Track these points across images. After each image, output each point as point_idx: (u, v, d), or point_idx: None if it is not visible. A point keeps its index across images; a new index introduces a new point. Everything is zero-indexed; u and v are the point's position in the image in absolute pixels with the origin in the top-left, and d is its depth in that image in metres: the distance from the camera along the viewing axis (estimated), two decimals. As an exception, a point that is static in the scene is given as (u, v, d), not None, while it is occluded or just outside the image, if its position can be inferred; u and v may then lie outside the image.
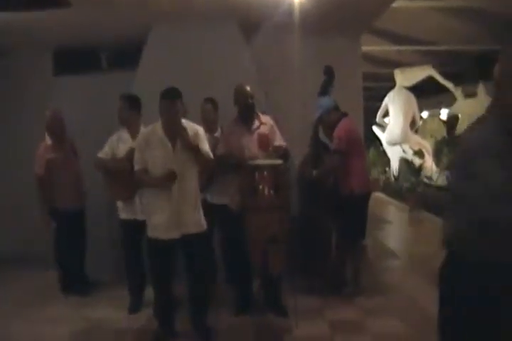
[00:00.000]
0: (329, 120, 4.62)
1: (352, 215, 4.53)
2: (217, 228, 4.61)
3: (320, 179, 4.60)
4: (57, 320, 4.29)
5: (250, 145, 4.14)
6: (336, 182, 4.63)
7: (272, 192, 3.90)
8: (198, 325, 3.72)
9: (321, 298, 4.54)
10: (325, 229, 4.85)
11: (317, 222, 4.82)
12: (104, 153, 4.33)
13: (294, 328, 3.94)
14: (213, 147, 4.30)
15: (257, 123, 4.21)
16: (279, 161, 3.95)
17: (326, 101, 4.64)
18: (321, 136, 4.70)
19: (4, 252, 6.05)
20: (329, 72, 4.78)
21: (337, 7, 5.03)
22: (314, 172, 4.58)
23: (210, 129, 4.57)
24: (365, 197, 4.68)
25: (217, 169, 4.17)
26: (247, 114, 4.20)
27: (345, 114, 4.65)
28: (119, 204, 4.35)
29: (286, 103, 5.35)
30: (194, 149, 3.48)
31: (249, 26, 5.41)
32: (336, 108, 4.65)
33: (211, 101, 4.64)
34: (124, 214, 4.32)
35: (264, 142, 4.13)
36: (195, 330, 3.72)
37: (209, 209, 4.27)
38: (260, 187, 3.91)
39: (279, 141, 4.25)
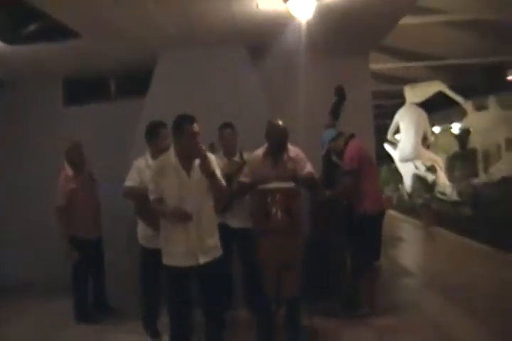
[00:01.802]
0: (337, 146, 4.64)
1: (366, 236, 4.48)
2: (237, 252, 4.57)
3: (333, 200, 4.56)
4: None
5: (274, 179, 4.00)
6: (348, 202, 4.59)
7: (284, 215, 3.87)
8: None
9: (337, 319, 4.46)
10: (338, 251, 4.79)
11: (330, 244, 4.75)
12: (133, 181, 4.19)
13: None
14: (231, 171, 4.31)
15: (285, 157, 4.11)
16: (292, 184, 3.91)
17: (328, 134, 4.68)
18: (334, 158, 4.68)
19: (18, 282, 6.09)
20: (340, 92, 4.78)
21: (344, 26, 5.05)
22: (327, 192, 4.55)
23: (229, 153, 4.59)
24: (379, 217, 4.63)
25: (237, 194, 4.15)
26: (277, 149, 4.11)
27: (352, 136, 4.65)
28: (148, 232, 4.19)
29: (296, 125, 5.33)
30: (211, 175, 3.45)
31: (258, 49, 5.42)
32: (340, 134, 4.67)
33: (230, 125, 4.64)
34: (151, 244, 4.13)
35: (290, 177, 4.04)
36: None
37: (229, 233, 4.27)
38: (273, 210, 3.87)
39: (305, 170, 4.10)
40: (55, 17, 4.42)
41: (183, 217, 3.38)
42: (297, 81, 5.35)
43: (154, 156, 4.12)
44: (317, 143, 4.77)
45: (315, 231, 4.83)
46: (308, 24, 4.66)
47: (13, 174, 6.53)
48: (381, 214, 4.66)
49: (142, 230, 4.30)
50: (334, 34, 5.18)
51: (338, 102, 4.75)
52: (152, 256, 3.97)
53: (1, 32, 4.78)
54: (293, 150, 4.17)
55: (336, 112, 4.73)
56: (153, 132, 4.23)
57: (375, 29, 5.33)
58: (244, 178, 4.19)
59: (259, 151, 4.23)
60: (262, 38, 5.20)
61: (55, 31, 4.76)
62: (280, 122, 4.11)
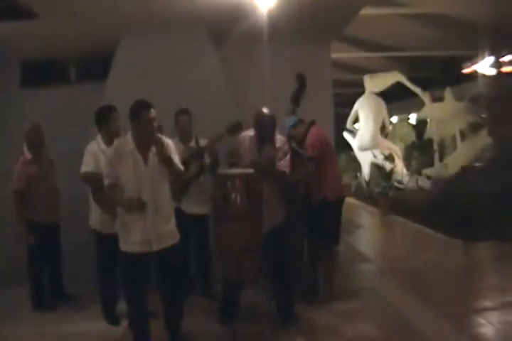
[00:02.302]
0: (297, 133, 4.65)
1: (325, 221, 4.56)
2: (193, 238, 4.59)
3: (292, 186, 4.62)
4: (31, 337, 4.21)
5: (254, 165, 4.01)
6: (307, 189, 4.66)
7: (244, 201, 3.90)
8: (175, 335, 3.70)
9: (296, 304, 4.50)
10: (296, 236, 4.86)
11: (290, 230, 4.82)
12: (88, 166, 4.14)
13: (270, 335, 3.95)
14: (187, 156, 4.33)
15: (269, 147, 4.11)
16: (251, 170, 3.94)
17: (288, 121, 4.70)
18: (293, 145, 4.72)
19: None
20: (301, 80, 4.81)
21: (307, 15, 5.09)
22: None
23: (185, 139, 4.62)
24: (339, 203, 4.72)
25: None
26: (263, 138, 4.12)
27: (312, 123, 4.70)
28: (104, 217, 4.16)
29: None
30: (167, 160, 3.45)
31: (219, 35, 5.41)
32: (301, 121, 4.70)
33: (186, 111, 4.66)
34: (107, 228, 4.11)
35: (269, 166, 4.04)
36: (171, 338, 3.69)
37: (185, 219, 4.28)
38: (232, 196, 3.91)
39: (281, 166, 4.11)
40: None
41: (138, 207, 3.36)
42: (258, 68, 5.36)
43: (106, 141, 4.15)
44: (279, 130, 4.81)
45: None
46: (270, 12, 4.69)
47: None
48: (341, 200, 4.75)
49: (98, 215, 4.27)
50: (296, 22, 5.21)
51: (298, 89, 4.78)
52: (108, 241, 3.96)
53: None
54: (280, 139, 4.20)
55: (296, 99, 4.76)
56: (103, 117, 4.24)
57: (336, 18, 5.40)
58: (231, 159, 4.23)
59: (249, 132, 4.25)
60: (225, 24, 5.18)
61: (12, 11, 4.64)
62: (267, 111, 4.14)
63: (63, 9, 4.69)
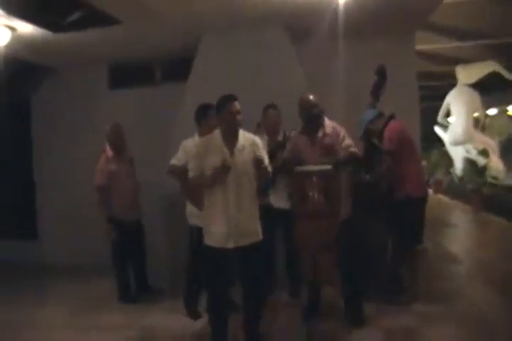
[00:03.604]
0: (376, 127, 4.52)
1: (408, 220, 4.38)
2: (281, 232, 4.59)
3: (372, 183, 4.48)
4: (113, 328, 4.37)
5: (313, 157, 4.00)
6: (390, 186, 4.50)
7: (321, 198, 3.84)
8: (250, 332, 3.70)
9: (378, 305, 4.40)
10: (380, 235, 4.71)
11: (372, 228, 4.68)
12: (178, 160, 4.24)
13: (348, 336, 3.86)
14: (274, 150, 4.34)
15: (320, 134, 4.05)
16: (328, 167, 3.86)
17: (367, 114, 4.57)
18: (373, 139, 4.58)
19: (65, 262, 6.37)
20: (381, 72, 4.65)
21: (384, 6, 4.91)
22: (368, 176, 4.47)
23: (273, 134, 4.66)
24: (422, 201, 4.51)
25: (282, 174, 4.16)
26: (311, 125, 4.06)
27: (392, 117, 4.53)
28: (194, 211, 4.21)
29: (337, 107, 5.25)
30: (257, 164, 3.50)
31: (298, 31, 5.35)
32: (380, 115, 4.55)
33: (273, 106, 4.68)
34: (194, 221, 4.22)
35: (328, 154, 3.98)
36: (246, 337, 3.70)
37: (273, 213, 4.30)
38: (310, 193, 3.86)
39: (345, 148, 4.02)
40: (96, 4, 4.51)
41: (226, 169, 3.37)
42: (336, 63, 5.26)
43: (201, 137, 4.17)
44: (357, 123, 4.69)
45: (356, 214, 4.78)
46: (347, 4, 4.57)
47: (59, 158, 6.84)
48: (424, 198, 4.54)
49: (189, 208, 4.35)
50: (373, 14, 5.05)
51: (378, 83, 4.63)
52: (195, 234, 4.03)
53: (46, 21, 4.93)
54: (328, 124, 4.10)
55: (376, 93, 4.62)
56: (202, 113, 4.29)
57: (417, 8, 5.14)
58: (286, 156, 4.19)
59: (295, 132, 4.21)
60: (303, 20, 5.14)
61: (97, 18, 4.87)
62: (311, 96, 4.05)
63: (146, 14, 4.86)
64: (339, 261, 3.88)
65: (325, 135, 4.04)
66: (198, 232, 4.12)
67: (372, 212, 4.58)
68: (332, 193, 3.89)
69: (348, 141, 4.06)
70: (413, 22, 5.70)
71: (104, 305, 4.99)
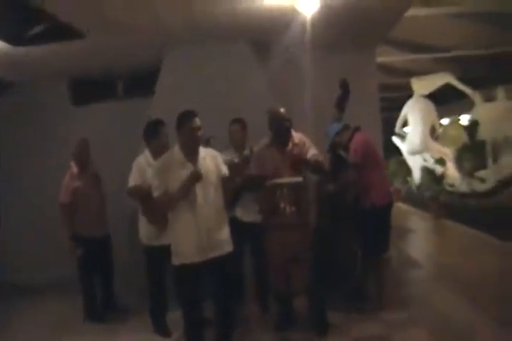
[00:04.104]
0: (342, 140, 4.63)
1: (374, 228, 4.48)
2: (249, 246, 4.61)
3: (338, 193, 4.58)
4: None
5: (283, 168, 4.04)
6: (356, 196, 4.60)
7: (293, 209, 3.90)
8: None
9: (345, 313, 4.47)
10: (347, 244, 4.80)
11: (340, 237, 4.77)
12: (135, 180, 4.24)
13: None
14: (242, 166, 4.30)
15: (290, 145, 4.11)
16: (300, 179, 3.93)
17: (333, 127, 4.68)
18: (340, 151, 4.68)
19: (31, 280, 6.20)
20: (344, 86, 4.79)
21: (349, 21, 5.06)
22: (331, 186, 4.56)
23: (239, 148, 4.66)
24: (387, 209, 4.63)
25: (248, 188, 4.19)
26: (281, 138, 4.11)
27: (357, 129, 4.66)
28: (151, 230, 4.24)
29: (302, 119, 5.34)
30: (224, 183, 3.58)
31: (263, 43, 5.43)
32: (346, 127, 4.66)
33: (239, 121, 4.69)
34: (156, 241, 4.20)
35: (297, 164, 4.04)
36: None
37: (240, 227, 4.30)
38: (281, 205, 3.91)
39: (311, 153, 4.08)
40: (59, 17, 4.43)
41: (197, 176, 3.41)
42: (303, 76, 5.36)
43: (154, 155, 4.18)
44: (322, 136, 4.79)
45: (322, 224, 4.86)
46: (313, 19, 4.68)
47: (21, 175, 6.64)
48: (389, 206, 4.67)
49: (145, 228, 4.33)
50: (339, 28, 5.19)
51: (342, 96, 4.76)
52: (157, 253, 4.02)
53: (6, 33, 4.77)
54: (296, 135, 4.17)
55: (341, 105, 4.74)
56: (152, 131, 4.30)
57: (380, 23, 5.33)
58: (252, 171, 4.20)
59: (263, 142, 4.25)
60: (267, 33, 5.21)
61: (60, 32, 4.76)
62: (281, 109, 4.12)
63: (110, 27, 4.82)
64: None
65: (294, 145, 4.11)
66: (150, 251, 4.19)
67: (339, 221, 4.68)
68: (303, 204, 3.96)
69: (313, 150, 4.13)
70: (376, 36, 5.88)
71: (72, 325, 4.86)
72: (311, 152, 4.11)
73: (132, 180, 4.25)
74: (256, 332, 4.30)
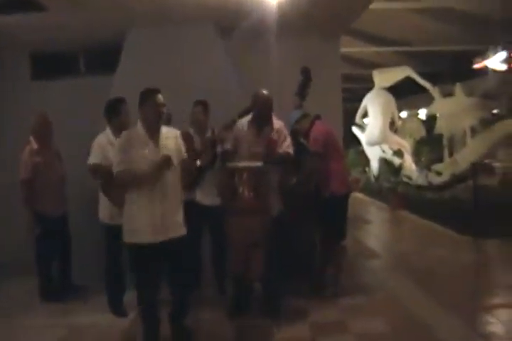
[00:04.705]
0: (302, 127, 4.64)
1: (333, 216, 4.55)
2: (207, 229, 4.59)
3: (300, 183, 4.59)
4: (41, 328, 4.21)
5: (257, 148, 4.07)
6: (317, 185, 4.62)
7: (252, 194, 3.88)
8: (176, 326, 3.70)
9: (303, 299, 4.52)
10: (306, 231, 4.84)
11: (298, 224, 4.80)
12: (96, 158, 4.16)
13: (275, 330, 3.92)
14: (203, 147, 4.36)
15: (268, 129, 4.13)
16: (259, 163, 3.91)
17: (293, 114, 4.69)
18: (301, 139, 4.69)
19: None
20: (306, 73, 4.78)
21: (316, 8, 5.05)
22: (294, 179, 4.56)
23: (200, 131, 4.61)
24: (345, 198, 4.70)
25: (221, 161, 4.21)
26: (262, 120, 4.13)
27: (317, 117, 4.68)
28: (110, 209, 4.16)
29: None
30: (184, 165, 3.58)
31: (228, 27, 5.37)
32: (306, 115, 4.68)
33: (202, 103, 4.64)
34: (115, 220, 4.04)
35: (271, 148, 4.06)
36: (173, 331, 3.69)
37: (199, 210, 4.28)
38: (240, 189, 3.89)
39: (284, 147, 4.12)
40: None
41: (167, 163, 3.41)
42: (266, 62, 5.33)
43: (115, 133, 4.12)
44: (284, 122, 4.78)
45: (284, 211, 4.87)
46: (280, 4, 4.65)
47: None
48: (346, 195, 4.73)
49: (106, 208, 4.25)
50: (305, 16, 5.17)
51: (303, 83, 4.76)
52: (116, 233, 3.95)
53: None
54: (276, 122, 4.20)
55: (301, 93, 4.75)
56: (113, 109, 4.25)
57: (346, 12, 5.35)
58: (227, 145, 4.22)
59: (245, 120, 4.25)
60: (233, 17, 5.14)
61: (20, 4, 4.65)
62: (266, 92, 4.13)
63: (73, 1, 4.67)
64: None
65: (272, 130, 4.13)
66: (112, 231, 4.09)
67: (300, 210, 4.70)
68: (262, 190, 3.94)
69: (288, 141, 4.17)
70: (341, 26, 5.90)
71: (28, 305, 4.75)
72: (287, 142, 4.15)
73: (93, 158, 4.18)
74: (211, 315, 4.29)
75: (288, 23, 5.07)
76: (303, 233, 4.77)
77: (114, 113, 4.23)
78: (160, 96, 3.49)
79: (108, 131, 4.28)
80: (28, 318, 4.46)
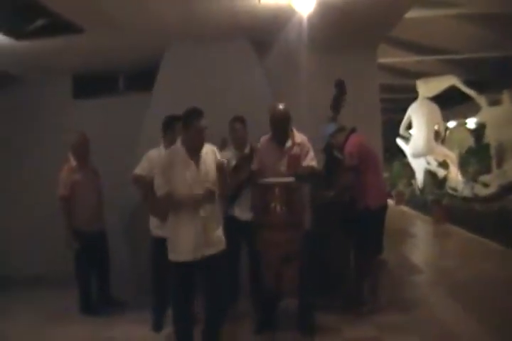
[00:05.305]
0: (337, 141, 4.61)
1: (368, 230, 4.46)
2: (245, 244, 4.58)
3: (335, 198, 4.54)
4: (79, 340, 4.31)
5: (280, 165, 4.07)
6: (351, 198, 4.56)
7: (284, 209, 3.86)
8: None
9: (339, 316, 4.43)
10: (342, 246, 4.77)
11: (334, 240, 4.73)
12: (142, 169, 4.27)
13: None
14: (242, 162, 4.40)
15: (289, 143, 4.11)
16: (291, 179, 3.90)
17: (328, 128, 4.65)
18: (335, 153, 4.64)
19: (26, 273, 6.19)
20: (340, 86, 4.75)
21: (347, 20, 5.04)
22: (331, 194, 4.52)
23: (240, 146, 4.64)
24: (381, 211, 4.60)
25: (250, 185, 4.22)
26: (280, 134, 4.11)
27: (352, 130, 4.62)
28: (157, 222, 4.22)
29: (300, 119, 5.31)
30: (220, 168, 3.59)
31: (261, 43, 5.41)
32: (341, 129, 4.63)
33: (240, 119, 4.66)
34: (160, 232, 4.13)
35: (295, 163, 4.05)
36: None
37: (237, 225, 4.31)
38: (272, 204, 3.87)
39: (308, 161, 4.10)
40: (59, 13, 4.47)
41: (194, 200, 3.44)
42: (300, 76, 5.33)
43: (167, 148, 4.14)
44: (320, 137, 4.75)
45: (318, 225, 4.82)
46: (310, 18, 4.64)
47: (22, 168, 6.64)
48: (383, 209, 4.63)
49: (153, 220, 4.32)
50: (336, 28, 5.16)
51: (337, 96, 4.73)
52: (162, 245, 3.99)
53: (8, 27, 4.84)
54: (298, 135, 4.17)
55: (336, 106, 4.71)
56: (169, 125, 4.34)
57: (379, 23, 5.29)
58: (254, 166, 4.24)
59: (265, 138, 4.25)
60: (265, 33, 5.20)
61: (60, 27, 4.81)
62: (281, 106, 4.10)
63: (109, 23, 4.83)
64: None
65: (294, 144, 4.11)
66: (161, 244, 4.08)
67: (334, 223, 4.64)
68: (294, 205, 3.91)
69: (311, 154, 4.13)
70: (376, 36, 5.83)
71: (67, 318, 4.86)
72: (310, 155, 4.11)
73: (138, 169, 4.30)
74: (246, 331, 4.26)
75: (320, 35, 5.06)
76: (337, 247, 4.70)
77: (169, 129, 4.33)
78: (203, 120, 3.49)
79: (161, 147, 4.38)
80: (68, 330, 4.56)
